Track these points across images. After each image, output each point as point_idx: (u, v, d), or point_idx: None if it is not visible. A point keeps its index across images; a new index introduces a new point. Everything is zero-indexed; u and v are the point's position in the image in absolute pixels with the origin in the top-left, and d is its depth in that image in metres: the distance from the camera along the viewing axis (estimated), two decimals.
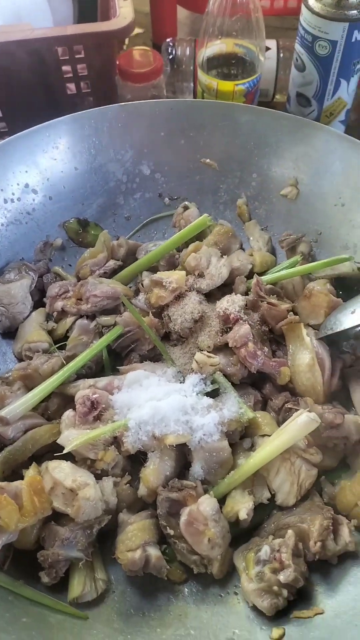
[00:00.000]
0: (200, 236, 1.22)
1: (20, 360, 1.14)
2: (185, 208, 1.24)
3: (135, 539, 0.90)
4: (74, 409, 1.01)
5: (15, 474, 0.96)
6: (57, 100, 1.55)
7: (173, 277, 1.09)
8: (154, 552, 0.90)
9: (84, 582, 0.89)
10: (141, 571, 0.89)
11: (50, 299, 1.17)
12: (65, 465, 0.94)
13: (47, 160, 1.22)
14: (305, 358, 1.05)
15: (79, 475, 0.92)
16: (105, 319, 1.13)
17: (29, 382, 1.07)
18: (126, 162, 1.27)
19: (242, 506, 0.92)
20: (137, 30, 1.99)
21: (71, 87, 1.58)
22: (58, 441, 0.97)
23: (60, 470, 0.93)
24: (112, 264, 1.18)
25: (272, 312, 1.09)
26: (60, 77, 1.51)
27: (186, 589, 0.92)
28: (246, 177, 1.26)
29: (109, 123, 1.24)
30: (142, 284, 1.15)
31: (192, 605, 0.90)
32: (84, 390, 1.02)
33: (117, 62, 1.57)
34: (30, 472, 0.93)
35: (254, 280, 1.10)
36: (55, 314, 1.16)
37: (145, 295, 1.13)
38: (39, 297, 1.20)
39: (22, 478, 0.92)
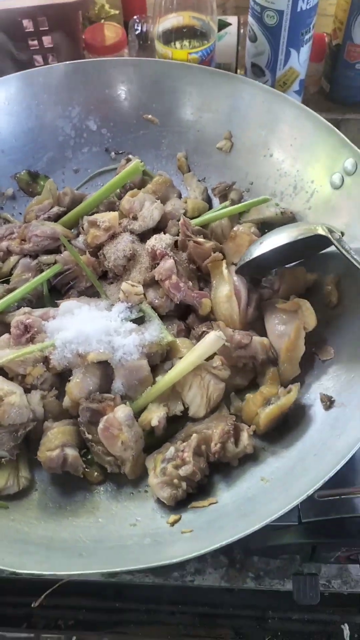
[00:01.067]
0: (140, 186, 1.32)
1: None
2: (128, 161, 1.33)
3: (54, 440, 1.00)
4: (10, 333, 1.11)
5: None
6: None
7: (107, 217, 1.19)
8: (71, 452, 0.99)
9: (7, 478, 0.99)
10: (59, 469, 0.99)
11: None
12: None
13: (1, 115, 1.32)
14: (224, 290, 1.14)
15: (6, 385, 1.02)
16: (46, 258, 1.23)
17: None
18: (74, 118, 1.37)
19: (155, 415, 1.01)
20: (112, 12, 2.09)
21: (39, 60, 1.68)
22: None
23: None
24: (55, 209, 1.28)
25: (197, 250, 1.18)
26: (27, 49, 1.61)
27: (102, 488, 1.01)
28: (185, 131, 1.35)
29: (56, 80, 1.34)
30: (82, 227, 1.25)
31: (105, 501, 0.99)
32: (19, 316, 1.12)
33: (84, 36, 1.68)
34: None
35: (181, 221, 1.19)
36: (0, 254, 1.26)
37: (84, 236, 1.23)
38: None
39: None
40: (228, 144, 1.33)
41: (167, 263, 1.14)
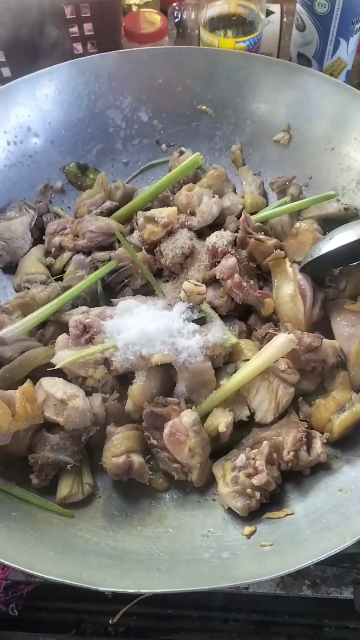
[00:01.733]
0: (194, 180, 1.27)
1: (19, 292, 1.20)
2: (181, 153, 1.29)
3: (120, 446, 0.96)
4: (69, 333, 1.07)
5: None
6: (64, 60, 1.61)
7: (165, 213, 1.15)
8: (137, 458, 0.96)
9: (72, 485, 0.95)
10: (125, 476, 0.95)
11: (49, 235, 1.23)
12: (58, 380, 1.00)
13: (49, 105, 1.27)
14: (288, 289, 1.09)
15: (69, 388, 0.98)
16: (100, 254, 1.18)
17: (26, 310, 1.12)
18: (125, 109, 1.33)
19: (222, 420, 0.97)
20: None
21: (78, 48, 1.63)
22: (52, 360, 1.03)
23: (53, 385, 0.99)
24: (108, 204, 1.24)
25: (259, 248, 1.13)
26: (67, 36, 1.57)
27: (167, 496, 0.97)
28: (240, 123, 1.31)
29: (109, 69, 1.29)
30: (136, 223, 1.20)
31: (172, 509, 0.95)
32: (77, 315, 1.07)
33: (124, 24, 1.63)
34: (25, 386, 0.99)
35: (242, 217, 1.14)
36: (53, 250, 1.21)
37: (139, 232, 1.19)
38: (38, 235, 1.26)
39: None
40: (286, 136, 1.28)
41: (230, 261, 1.09)
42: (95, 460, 1.00)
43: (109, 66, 1.29)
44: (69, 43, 1.59)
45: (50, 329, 1.13)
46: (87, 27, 1.57)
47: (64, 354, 1.03)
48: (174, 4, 1.76)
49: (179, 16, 1.75)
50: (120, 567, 0.81)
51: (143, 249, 1.17)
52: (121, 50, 1.30)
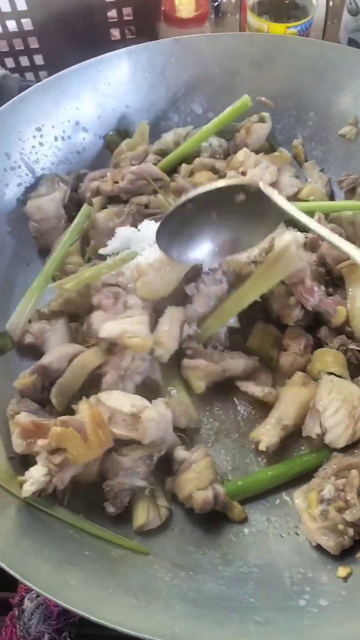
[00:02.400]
0: None
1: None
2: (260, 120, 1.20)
3: (204, 478, 0.88)
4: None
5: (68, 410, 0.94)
6: (100, 46, 1.51)
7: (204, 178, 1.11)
8: (220, 489, 0.88)
9: (148, 509, 0.87)
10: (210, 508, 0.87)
11: (87, 180, 1.14)
12: (116, 393, 0.91)
13: (99, 97, 1.18)
14: None
15: (134, 399, 0.89)
16: (140, 198, 1.10)
17: (67, 308, 1.04)
18: (178, 100, 1.23)
19: (264, 438, 0.92)
20: None
21: (115, 34, 1.53)
22: (103, 335, 0.93)
23: (115, 399, 0.90)
24: (152, 158, 1.15)
25: (333, 253, 1.04)
26: (105, 22, 1.47)
27: (246, 529, 0.89)
28: (303, 115, 1.21)
29: (162, 58, 1.20)
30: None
31: (253, 544, 0.87)
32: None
33: (162, 8, 1.53)
34: (83, 406, 0.90)
35: (315, 217, 1.05)
36: (88, 194, 1.12)
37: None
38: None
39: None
40: (353, 130, 1.18)
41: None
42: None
43: (162, 55, 1.20)
44: (107, 28, 1.50)
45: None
46: (126, 11, 1.48)
47: (110, 325, 0.94)
48: None
49: None
50: (212, 619, 0.73)
51: None
52: (175, 38, 1.20)
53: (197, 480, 0.87)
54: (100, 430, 0.83)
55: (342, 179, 1.17)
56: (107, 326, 0.93)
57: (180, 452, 0.92)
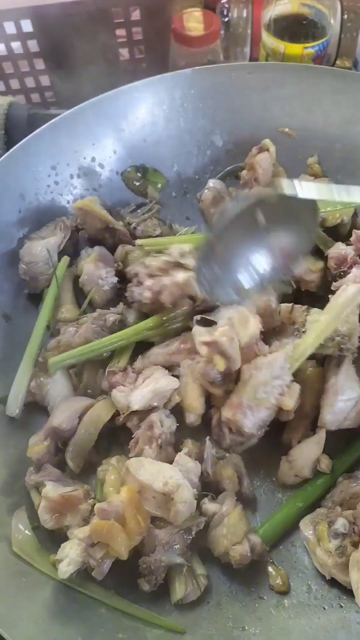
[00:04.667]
0: None
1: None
2: (261, 150, 1.13)
3: (238, 532, 0.84)
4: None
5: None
6: (108, 67, 1.46)
7: None
8: (256, 539, 0.84)
9: (186, 582, 0.82)
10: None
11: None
12: (146, 462, 0.86)
13: (115, 132, 1.13)
14: None
15: (169, 477, 0.84)
16: None
17: None
18: (197, 133, 1.18)
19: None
20: None
21: (124, 53, 1.48)
22: (136, 407, 0.89)
23: (145, 471, 0.84)
24: None
25: None
26: (113, 41, 1.42)
27: (286, 601, 0.84)
28: (328, 147, 1.16)
29: (180, 90, 1.15)
30: None
31: (294, 618, 0.82)
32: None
33: (172, 26, 1.47)
34: (114, 484, 0.86)
35: (353, 237, 1.01)
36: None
37: None
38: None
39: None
40: None
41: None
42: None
43: (182, 86, 1.14)
44: (115, 49, 1.45)
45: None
46: (136, 30, 1.42)
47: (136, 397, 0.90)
48: (223, 1, 1.60)
49: (228, 15, 1.59)
50: None
51: None
52: (195, 68, 1.14)
53: (231, 535, 0.83)
54: (140, 517, 0.78)
55: None
56: (135, 398, 0.90)
57: (209, 506, 0.87)
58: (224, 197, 1.15)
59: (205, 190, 1.15)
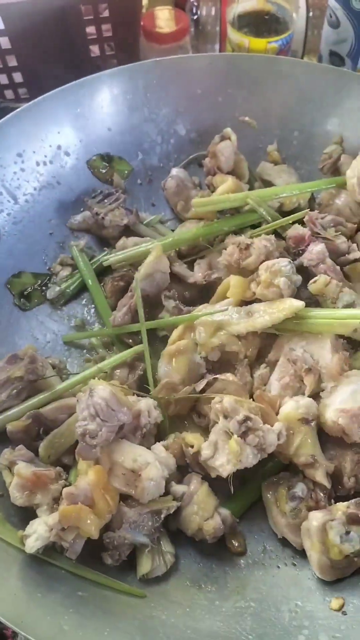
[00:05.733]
0: None
1: None
2: (223, 138, 1.17)
3: (208, 507, 0.87)
4: None
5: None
6: (79, 63, 1.49)
7: None
8: (225, 512, 0.88)
9: (152, 558, 0.85)
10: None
11: None
12: (125, 444, 0.88)
13: (80, 120, 1.17)
14: None
15: (138, 455, 0.86)
16: None
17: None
18: (161, 122, 1.22)
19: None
20: None
21: (94, 50, 1.52)
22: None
23: (119, 450, 0.87)
24: None
25: (329, 248, 1.02)
26: (83, 38, 1.45)
27: (242, 561, 0.88)
28: (287, 135, 1.21)
29: (143, 80, 1.19)
30: None
31: (249, 577, 0.86)
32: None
33: (142, 23, 1.51)
34: (83, 466, 0.86)
35: (306, 218, 1.05)
36: None
37: None
38: None
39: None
40: (339, 149, 1.18)
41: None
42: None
43: (144, 76, 1.18)
44: (86, 45, 1.48)
45: None
46: (106, 27, 1.46)
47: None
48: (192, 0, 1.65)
49: (197, 12, 1.64)
50: None
51: None
52: (157, 59, 1.18)
53: (202, 511, 0.86)
54: (108, 496, 0.81)
55: (322, 165, 1.16)
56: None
57: (176, 487, 0.89)
58: (187, 186, 1.20)
59: (169, 179, 1.19)
